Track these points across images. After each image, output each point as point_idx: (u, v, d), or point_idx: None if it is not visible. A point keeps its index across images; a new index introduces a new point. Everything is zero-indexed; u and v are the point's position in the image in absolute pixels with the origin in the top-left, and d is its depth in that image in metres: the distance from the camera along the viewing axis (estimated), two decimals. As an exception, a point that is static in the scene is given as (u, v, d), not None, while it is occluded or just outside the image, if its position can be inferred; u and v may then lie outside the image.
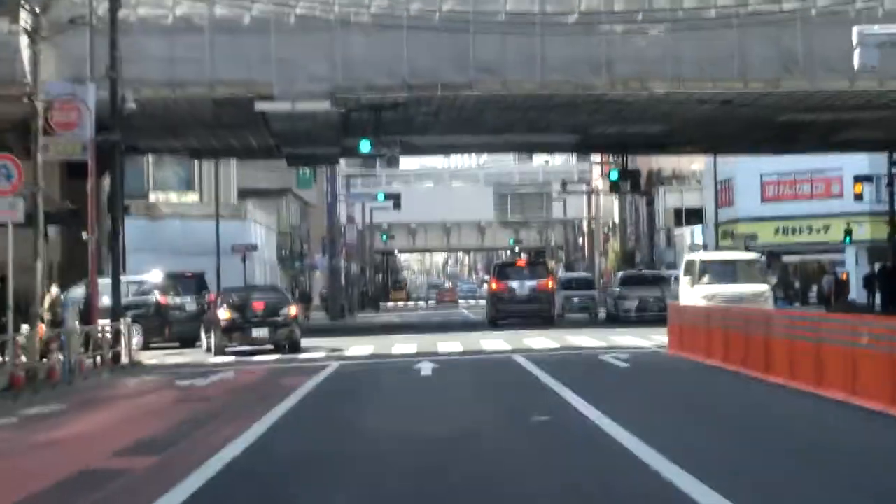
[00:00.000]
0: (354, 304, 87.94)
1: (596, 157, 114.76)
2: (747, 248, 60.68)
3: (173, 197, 68.96)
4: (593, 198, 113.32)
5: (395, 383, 23.48)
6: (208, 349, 33.40)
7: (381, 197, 68.99)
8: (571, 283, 58.30)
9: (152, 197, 67.98)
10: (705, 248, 75.39)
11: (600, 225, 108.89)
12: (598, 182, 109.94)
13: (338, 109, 38.37)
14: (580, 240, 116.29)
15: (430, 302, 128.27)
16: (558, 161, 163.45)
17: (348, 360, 30.12)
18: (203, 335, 34.19)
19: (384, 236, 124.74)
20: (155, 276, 38.84)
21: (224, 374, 26.43)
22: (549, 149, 57.17)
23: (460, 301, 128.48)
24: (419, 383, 23.24)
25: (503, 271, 47.58)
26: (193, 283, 39.72)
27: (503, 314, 46.26)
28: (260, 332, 32.93)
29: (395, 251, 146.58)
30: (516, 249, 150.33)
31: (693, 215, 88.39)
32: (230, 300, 33.76)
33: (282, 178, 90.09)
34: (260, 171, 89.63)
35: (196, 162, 68.94)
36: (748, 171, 70.94)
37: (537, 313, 45.83)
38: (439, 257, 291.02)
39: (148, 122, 42.85)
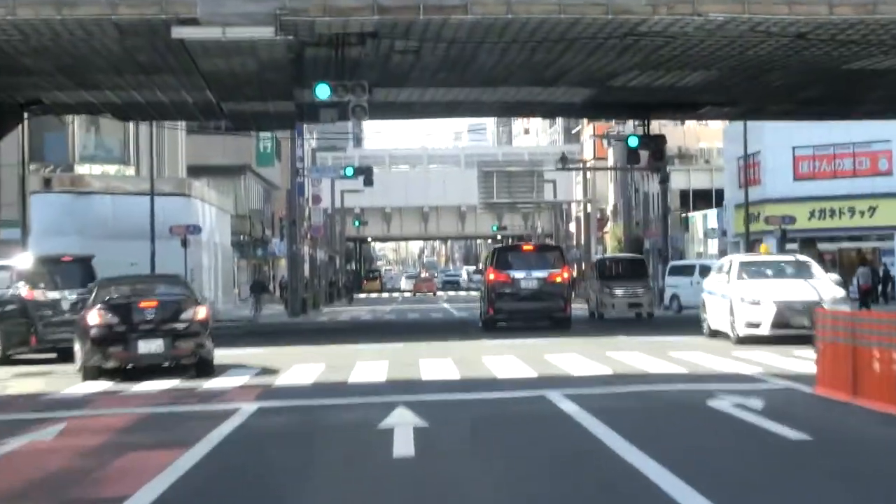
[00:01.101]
0: (321, 297, 77.93)
1: (587, 133, 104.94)
2: (784, 235, 50.91)
3: (104, 170, 58.74)
4: (589, 178, 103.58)
5: (340, 482, 11.58)
6: (79, 369, 23.02)
7: (349, 172, 58.82)
8: (612, 269, 48.61)
9: (79, 169, 57.76)
10: (724, 234, 65.63)
11: (594, 209, 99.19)
12: (591, 163, 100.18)
13: (285, 38, 28.28)
14: (570, 226, 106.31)
15: (405, 294, 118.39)
16: (543, 141, 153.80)
17: (277, 395, 19.24)
18: (76, 347, 23.53)
19: (356, 222, 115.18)
20: (21, 260, 28.68)
21: (47, 431, 15.52)
22: (552, 112, 46.83)
23: (439, 293, 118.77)
24: (389, 486, 11.17)
25: (504, 258, 36.44)
26: (77, 272, 28.91)
27: (503, 314, 35.72)
28: (150, 346, 22.23)
29: (369, 239, 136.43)
30: (498, 237, 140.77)
31: (701, 198, 79.08)
32: (107, 297, 23.15)
33: (239, 154, 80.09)
34: (215, 147, 79.82)
35: (132, 131, 58.73)
36: (777, 143, 61.08)
37: (548, 313, 35.57)
38: (416, 247, 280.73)
39: (40, 61, 32.92)
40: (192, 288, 24.87)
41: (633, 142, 42.83)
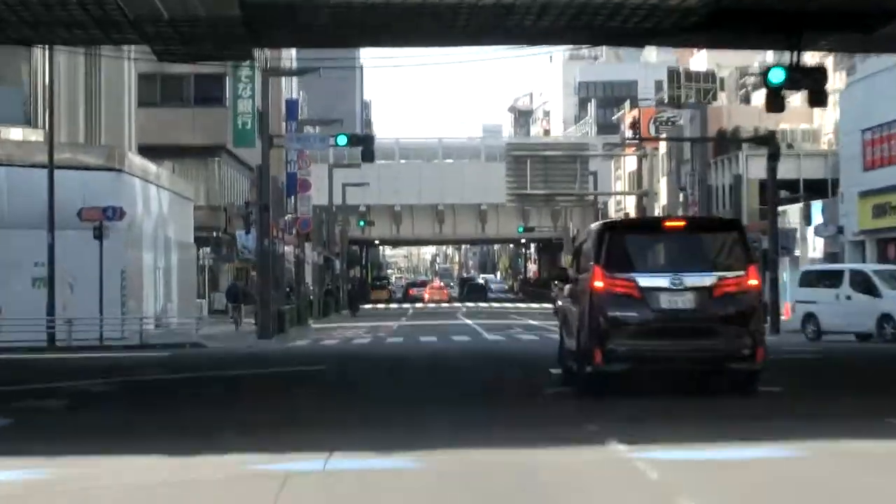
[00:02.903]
0: (312, 309, 62.27)
1: (627, 122, 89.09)
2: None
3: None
4: (631, 172, 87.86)
5: None
6: None
7: (342, 140, 42.74)
8: None
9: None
10: (840, 231, 49.83)
11: (646, 204, 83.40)
12: (635, 152, 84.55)
13: None
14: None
15: (416, 305, 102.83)
16: (564, 130, 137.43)
17: None
18: None
19: (361, 222, 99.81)
20: None
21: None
22: (654, 29, 29.66)
23: (456, 304, 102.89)
24: None
25: (625, 245, 18.11)
26: None
27: (624, 360, 17.48)
28: None
29: (376, 242, 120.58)
30: (522, 241, 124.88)
31: (787, 188, 63.69)
32: None
33: (212, 132, 64.64)
34: (182, 122, 64.52)
35: (40, 80, 42.98)
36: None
37: (718, 359, 17.84)
38: (428, 254, 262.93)
39: None
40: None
41: (777, 76, 26.89)
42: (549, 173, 65.49)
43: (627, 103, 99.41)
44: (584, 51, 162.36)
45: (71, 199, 38.18)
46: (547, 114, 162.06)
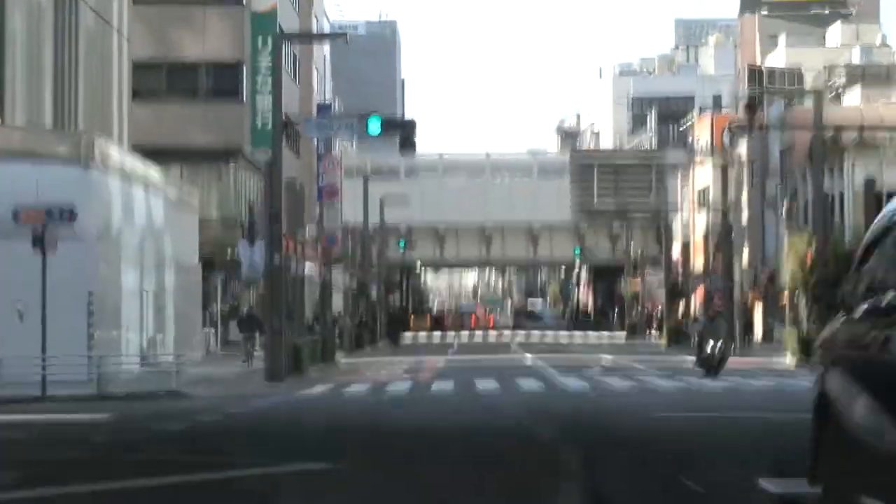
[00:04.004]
0: (342, 341, 52.86)
1: (699, 131, 79.23)
2: None
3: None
4: (703, 182, 78.06)
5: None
6: None
7: (374, 126, 32.67)
8: None
9: None
10: None
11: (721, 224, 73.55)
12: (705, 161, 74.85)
13: None
14: (672, 248, 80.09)
15: (462, 334, 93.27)
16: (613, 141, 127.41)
17: None
18: None
19: (402, 243, 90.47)
20: None
21: None
22: None
23: (506, 332, 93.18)
24: None
25: None
26: None
27: None
28: None
29: (418, 263, 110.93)
30: (576, 265, 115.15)
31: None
32: None
33: (226, 132, 55.44)
34: (191, 120, 55.45)
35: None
36: None
37: None
38: (470, 281, 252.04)
39: None
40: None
41: None
42: (619, 184, 55.80)
43: (697, 111, 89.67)
44: (635, 66, 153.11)
45: (20, 199, 28.87)
46: (596, 134, 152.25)
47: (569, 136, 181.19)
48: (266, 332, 33.89)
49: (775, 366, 43.39)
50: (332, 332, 48.02)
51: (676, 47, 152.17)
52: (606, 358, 46.65)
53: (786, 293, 48.72)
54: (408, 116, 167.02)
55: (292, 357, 35.52)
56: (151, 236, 38.86)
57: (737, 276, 56.71)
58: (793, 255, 45.12)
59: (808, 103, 65.97)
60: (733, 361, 45.60)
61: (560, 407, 23.31)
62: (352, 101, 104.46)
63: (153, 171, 39.90)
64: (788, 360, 44.75)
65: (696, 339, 45.06)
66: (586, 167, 56.78)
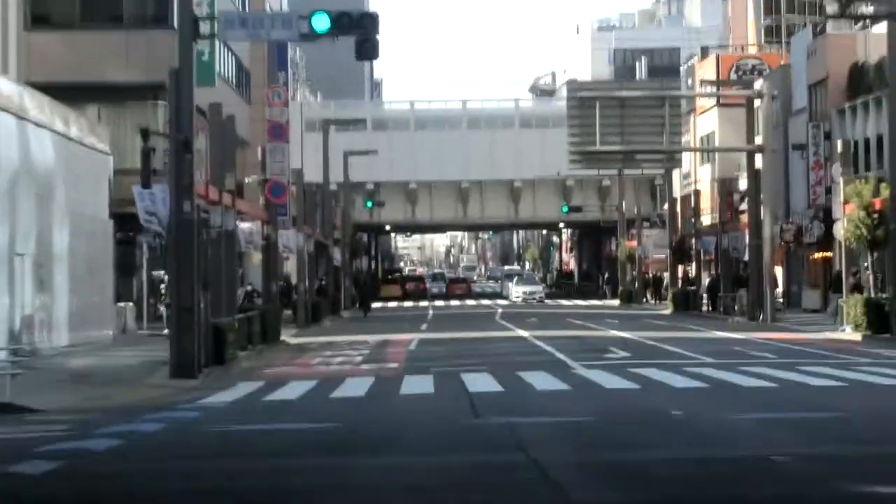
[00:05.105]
0: (302, 313, 43.50)
1: (704, 72, 69.85)
2: None
3: None
4: (707, 128, 69.03)
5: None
6: None
7: (319, 22, 23.04)
8: None
9: None
10: None
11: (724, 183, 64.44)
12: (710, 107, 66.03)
13: None
14: (675, 204, 70.63)
15: (436, 302, 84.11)
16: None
17: None
18: None
19: (368, 202, 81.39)
20: None
21: None
22: None
23: (485, 302, 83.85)
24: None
25: None
26: None
27: None
28: None
29: (387, 227, 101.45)
30: (560, 226, 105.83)
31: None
32: None
33: (153, 68, 45.60)
34: (111, 53, 46.25)
35: None
36: None
37: None
38: (441, 245, 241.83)
39: None
40: None
41: None
42: (625, 120, 46.30)
43: (699, 51, 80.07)
44: (615, 21, 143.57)
45: None
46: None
47: (544, 95, 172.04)
48: (171, 310, 24.29)
49: (840, 341, 34.25)
50: (277, 306, 38.44)
51: (657, 0, 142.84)
52: (623, 336, 37.27)
53: (841, 253, 39.48)
54: (377, 77, 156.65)
55: (212, 342, 26.01)
56: (30, 182, 29.28)
57: (766, 232, 47.40)
58: (857, 204, 35.76)
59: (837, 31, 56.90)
60: (787, 338, 36.54)
61: (653, 450, 13.63)
62: (310, 49, 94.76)
63: (32, 97, 30.24)
64: (849, 332, 35.62)
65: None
66: (587, 101, 47.07)
